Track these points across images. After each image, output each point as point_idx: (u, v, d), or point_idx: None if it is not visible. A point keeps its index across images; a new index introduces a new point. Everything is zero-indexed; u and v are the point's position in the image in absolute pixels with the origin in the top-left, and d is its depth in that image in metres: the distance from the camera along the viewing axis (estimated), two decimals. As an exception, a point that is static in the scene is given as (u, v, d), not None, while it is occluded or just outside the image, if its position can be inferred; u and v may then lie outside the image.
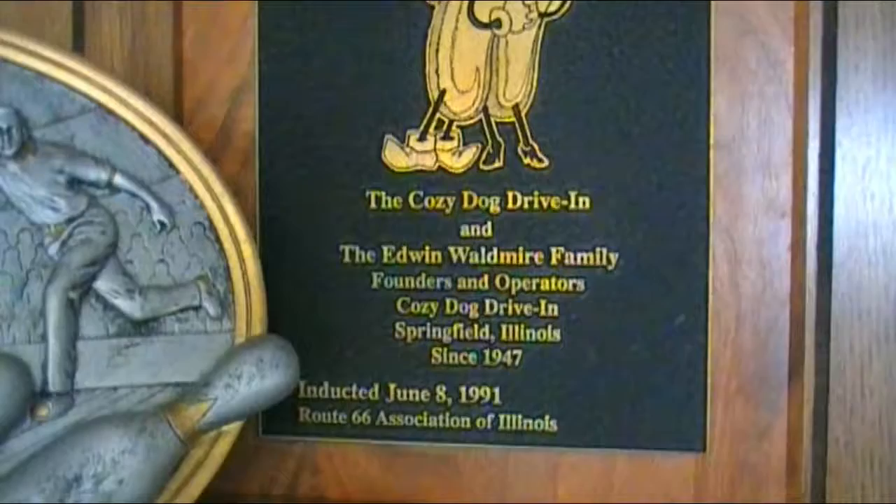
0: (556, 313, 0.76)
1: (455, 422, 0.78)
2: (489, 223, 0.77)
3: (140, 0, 0.81)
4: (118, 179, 0.68)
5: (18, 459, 0.63)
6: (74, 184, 0.67)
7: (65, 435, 0.64)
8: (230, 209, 0.69)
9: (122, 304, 0.67)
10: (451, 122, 0.77)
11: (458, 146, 0.77)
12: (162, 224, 0.68)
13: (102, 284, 0.67)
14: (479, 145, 0.77)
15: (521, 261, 0.77)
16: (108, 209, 0.68)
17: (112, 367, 0.67)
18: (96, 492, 0.61)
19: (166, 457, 0.63)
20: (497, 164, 0.77)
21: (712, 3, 0.74)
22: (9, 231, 0.67)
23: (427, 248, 0.78)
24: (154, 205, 0.68)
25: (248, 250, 0.69)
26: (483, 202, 0.77)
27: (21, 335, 0.66)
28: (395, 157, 0.78)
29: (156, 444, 0.63)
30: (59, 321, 0.66)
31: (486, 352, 0.77)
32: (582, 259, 0.76)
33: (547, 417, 0.77)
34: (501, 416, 0.77)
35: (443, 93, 0.77)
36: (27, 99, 0.67)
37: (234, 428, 0.66)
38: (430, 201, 0.78)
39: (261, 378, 0.65)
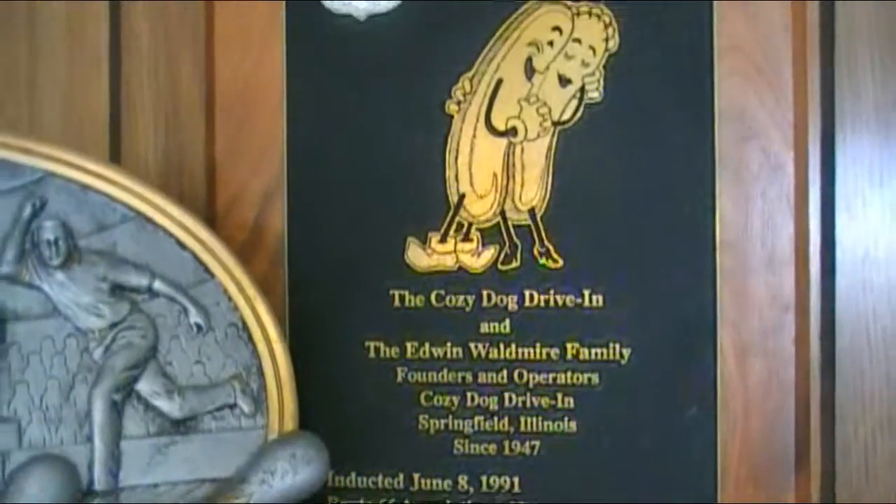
0: (572, 405, 0.78)
1: (477, 510, 0.80)
2: (507, 320, 0.79)
3: (174, 106, 0.84)
4: (157, 285, 0.71)
5: (67, 556, 0.66)
6: (117, 290, 0.71)
7: (109, 532, 0.67)
8: (262, 310, 0.72)
9: (163, 404, 0.70)
10: (470, 224, 0.80)
11: (478, 247, 0.80)
12: (199, 326, 0.71)
13: (144, 386, 0.70)
14: (498, 246, 0.80)
15: (538, 356, 0.79)
16: (148, 313, 0.71)
17: (153, 465, 0.69)
18: (140, 586, 0.64)
19: (204, 550, 0.66)
20: (514, 264, 0.79)
21: (715, 109, 0.77)
22: (56, 337, 0.70)
23: (448, 343, 0.80)
24: (191, 308, 0.71)
25: (279, 350, 0.72)
26: (501, 300, 0.79)
27: (68, 437, 0.69)
28: (418, 257, 0.80)
29: (195, 538, 0.66)
30: (104, 423, 0.69)
31: (506, 442, 0.79)
32: (596, 354, 0.78)
33: (565, 505, 0.79)
34: (521, 504, 0.80)
35: (462, 197, 0.80)
36: (72, 210, 0.71)
37: (268, 521, 0.69)
38: (451, 299, 0.80)
39: (294, 474, 0.68)
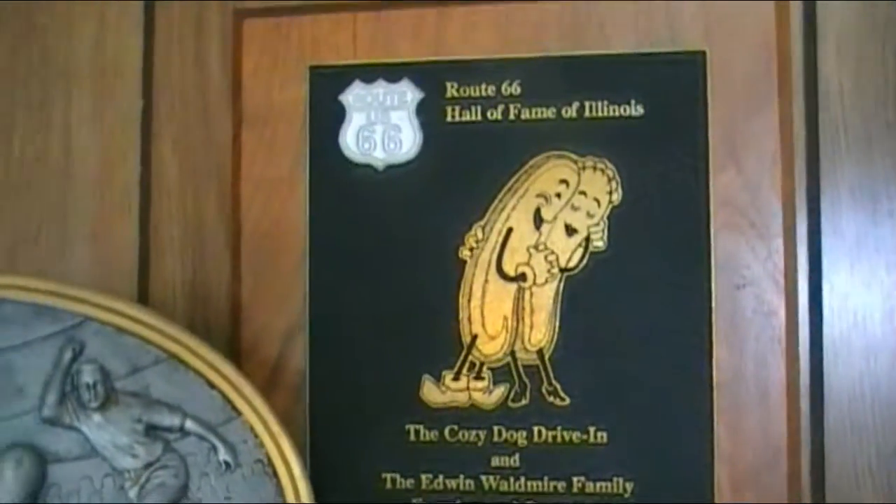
0: (577, 536, 0.82)
1: None
2: (517, 455, 0.82)
3: (200, 244, 0.88)
4: (189, 424, 0.74)
5: None
6: (151, 430, 0.73)
7: None
8: (286, 447, 0.75)
9: (193, 541, 0.73)
10: (482, 363, 0.83)
11: (489, 385, 0.83)
12: (227, 464, 0.74)
13: (175, 524, 0.73)
14: (508, 385, 0.83)
15: (546, 489, 0.82)
16: (180, 452, 0.74)
17: None
18: None
19: None
20: (524, 402, 0.82)
21: (711, 259, 0.80)
22: (94, 476, 0.73)
23: (461, 476, 0.83)
24: (220, 446, 0.74)
25: (303, 487, 0.74)
26: (511, 436, 0.82)
27: (104, 575, 0.72)
28: (432, 394, 0.84)
29: None
30: (138, 562, 0.72)
31: (516, 571, 0.82)
32: (600, 487, 0.81)
33: None
34: None
35: (475, 338, 0.83)
36: (108, 353, 0.74)
37: None
38: (463, 434, 0.83)
39: None
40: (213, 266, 0.88)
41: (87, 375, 0.73)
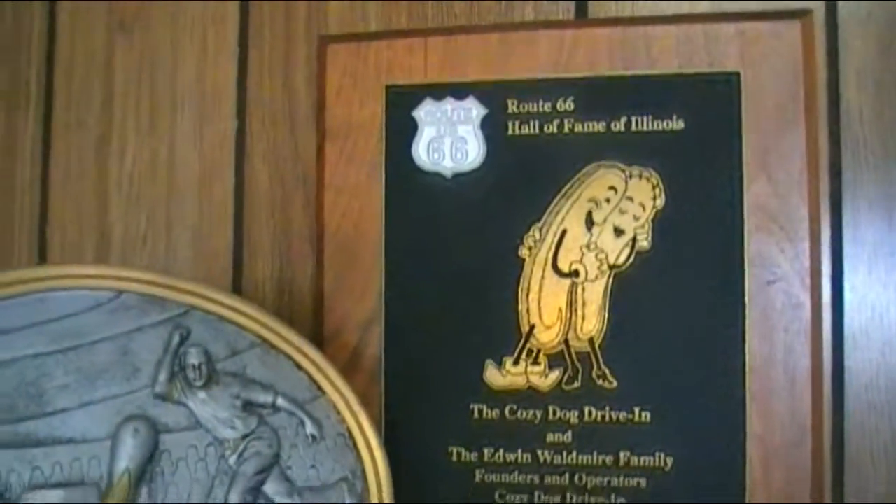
0: (623, 505, 0.88)
1: None
2: (570, 432, 0.88)
3: (287, 244, 0.96)
4: (280, 401, 0.80)
5: None
6: (247, 406, 0.80)
7: None
8: (365, 422, 0.81)
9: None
10: (538, 350, 0.89)
11: (545, 370, 0.89)
12: (313, 437, 0.80)
13: (269, 487, 0.79)
14: (562, 369, 0.88)
15: (595, 462, 0.88)
16: (272, 426, 0.80)
17: (278, 555, 0.79)
18: None
19: None
20: (576, 385, 0.88)
21: (745, 258, 0.87)
22: (199, 445, 0.79)
23: (519, 451, 0.89)
24: (307, 421, 0.80)
25: (379, 456, 0.80)
26: (565, 415, 0.88)
27: (209, 530, 0.79)
28: (494, 377, 0.89)
29: None
30: (238, 520, 0.78)
31: (568, 535, 0.88)
32: (643, 462, 0.87)
33: None
34: None
35: (532, 327, 0.89)
36: (210, 338, 0.80)
37: None
38: (522, 413, 0.89)
39: (394, 562, 0.77)
40: (298, 263, 0.96)
41: (193, 357, 0.80)
